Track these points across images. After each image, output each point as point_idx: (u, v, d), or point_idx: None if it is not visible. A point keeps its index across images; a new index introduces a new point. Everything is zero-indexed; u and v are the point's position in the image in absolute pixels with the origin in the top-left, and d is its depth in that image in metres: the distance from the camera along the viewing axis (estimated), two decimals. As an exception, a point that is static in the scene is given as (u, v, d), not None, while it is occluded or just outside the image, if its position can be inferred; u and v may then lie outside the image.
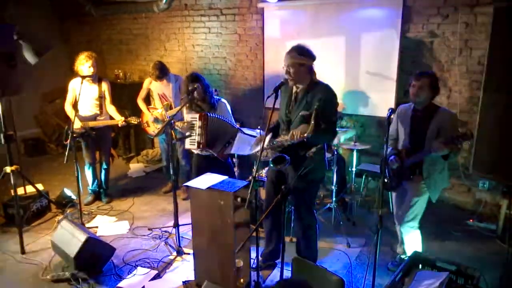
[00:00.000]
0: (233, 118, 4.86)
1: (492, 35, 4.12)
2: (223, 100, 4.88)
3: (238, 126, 4.75)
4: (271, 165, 3.56)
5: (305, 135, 3.38)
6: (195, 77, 4.66)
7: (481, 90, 4.97)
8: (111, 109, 5.69)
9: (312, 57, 3.64)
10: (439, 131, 3.60)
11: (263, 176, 4.95)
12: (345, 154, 6.07)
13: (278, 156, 3.52)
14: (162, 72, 5.73)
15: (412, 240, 3.99)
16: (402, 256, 4.19)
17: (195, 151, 4.84)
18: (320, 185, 4.51)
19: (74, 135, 4.99)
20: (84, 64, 5.27)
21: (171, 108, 5.85)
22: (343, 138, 5.52)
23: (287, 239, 4.57)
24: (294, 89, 3.74)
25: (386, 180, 4.04)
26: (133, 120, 5.60)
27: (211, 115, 4.53)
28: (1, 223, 5.24)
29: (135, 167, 7.60)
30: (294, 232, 4.41)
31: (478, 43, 4.96)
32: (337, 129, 3.94)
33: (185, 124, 4.66)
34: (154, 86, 6.05)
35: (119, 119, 5.56)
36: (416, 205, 3.85)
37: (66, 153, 4.76)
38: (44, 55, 6.01)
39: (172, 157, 4.80)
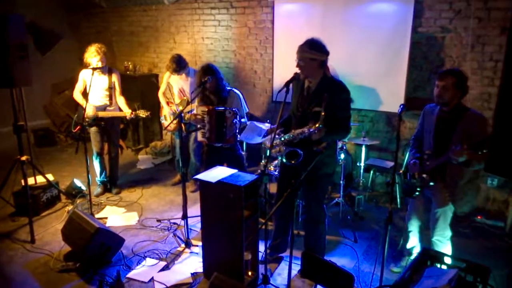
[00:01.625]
0: (245, 107, 4.85)
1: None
2: (235, 90, 4.86)
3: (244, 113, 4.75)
4: (284, 161, 3.54)
5: (316, 126, 3.37)
6: (208, 69, 4.64)
7: (494, 86, 4.96)
8: (120, 101, 5.71)
9: (325, 52, 3.62)
10: (467, 135, 3.34)
11: (272, 170, 4.96)
12: (351, 149, 6.07)
13: (291, 151, 3.49)
14: (179, 65, 5.74)
15: (443, 250, 3.79)
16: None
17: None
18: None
19: (84, 123, 5.06)
20: (93, 57, 5.30)
21: (188, 104, 5.83)
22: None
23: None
24: (307, 83, 3.73)
25: (405, 186, 3.87)
26: (142, 114, 5.57)
27: (219, 109, 4.54)
28: (12, 213, 5.28)
29: (144, 158, 7.63)
30: (303, 226, 4.39)
31: (490, 39, 4.91)
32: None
33: (197, 116, 4.68)
34: (172, 80, 6.05)
35: (127, 112, 5.58)
36: (442, 217, 3.68)
37: (77, 144, 4.80)
38: (54, 47, 6.04)
39: (183, 149, 4.81)
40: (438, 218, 3.69)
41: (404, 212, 4.44)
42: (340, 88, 3.62)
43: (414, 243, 4.12)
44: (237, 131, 4.65)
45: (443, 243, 3.79)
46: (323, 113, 3.37)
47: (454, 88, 3.41)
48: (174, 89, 6.08)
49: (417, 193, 3.75)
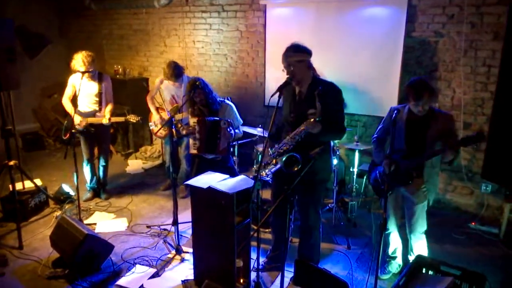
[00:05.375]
0: (239, 119, 4.77)
1: (508, 32, 3.87)
2: (227, 101, 4.79)
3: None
4: (285, 170, 3.41)
5: (315, 118, 3.31)
6: (194, 85, 4.55)
7: (487, 91, 4.96)
8: (107, 107, 5.62)
9: (308, 53, 3.57)
10: (440, 133, 3.54)
11: (265, 175, 4.89)
12: (344, 154, 6.03)
13: (288, 158, 3.39)
14: (179, 71, 5.63)
15: (420, 246, 3.92)
16: (395, 263, 4.20)
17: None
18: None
19: (74, 130, 4.95)
20: (79, 66, 5.22)
21: (179, 111, 5.75)
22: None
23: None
24: (297, 89, 3.67)
25: (377, 185, 3.96)
26: (133, 119, 5.50)
27: (209, 119, 4.47)
28: (-1, 218, 5.19)
29: (134, 163, 7.55)
30: (298, 233, 4.28)
31: (483, 44, 4.91)
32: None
33: (190, 128, 4.63)
34: (165, 86, 5.94)
35: (105, 117, 5.49)
36: (421, 211, 3.78)
37: (66, 149, 4.73)
38: (43, 50, 5.98)
39: (173, 154, 4.73)
40: (418, 214, 3.81)
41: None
42: (331, 88, 3.55)
43: (395, 244, 4.17)
44: (231, 142, 4.61)
45: (420, 238, 3.90)
46: (318, 103, 3.30)
47: (431, 100, 3.53)
48: (166, 95, 5.97)
49: (390, 192, 3.84)
